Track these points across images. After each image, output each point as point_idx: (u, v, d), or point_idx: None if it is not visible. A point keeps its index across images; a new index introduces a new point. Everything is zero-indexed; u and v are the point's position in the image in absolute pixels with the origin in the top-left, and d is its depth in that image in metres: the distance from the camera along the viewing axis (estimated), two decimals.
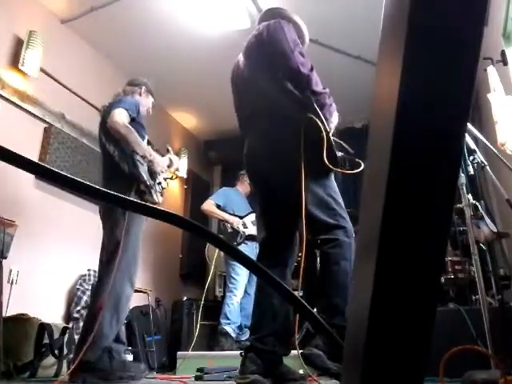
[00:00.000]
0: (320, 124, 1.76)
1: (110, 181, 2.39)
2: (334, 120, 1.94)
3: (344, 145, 1.91)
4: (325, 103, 1.86)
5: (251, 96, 2.01)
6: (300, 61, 1.82)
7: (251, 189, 4.19)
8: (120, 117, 2.35)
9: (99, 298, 2.18)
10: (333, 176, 1.91)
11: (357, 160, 1.87)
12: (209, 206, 4.19)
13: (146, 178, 2.35)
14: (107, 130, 2.40)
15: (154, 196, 2.40)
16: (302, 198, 1.74)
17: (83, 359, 1.97)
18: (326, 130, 1.77)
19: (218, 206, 4.17)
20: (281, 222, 1.91)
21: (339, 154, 1.82)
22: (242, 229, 4.05)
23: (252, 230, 4.04)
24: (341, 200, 1.87)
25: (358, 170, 1.83)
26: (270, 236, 1.95)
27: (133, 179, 2.35)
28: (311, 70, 1.84)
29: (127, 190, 2.31)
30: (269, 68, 1.92)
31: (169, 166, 2.60)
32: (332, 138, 1.82)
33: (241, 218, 4.12)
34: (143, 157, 2.36)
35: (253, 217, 4.12)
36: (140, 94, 2.68)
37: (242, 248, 3.91)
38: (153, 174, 2.41)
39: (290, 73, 1.84)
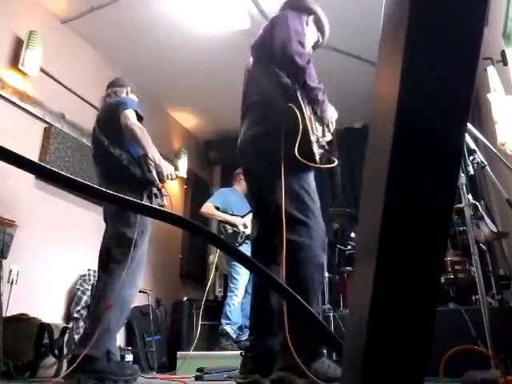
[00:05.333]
0: (299, 115, 1.71)
1: (118, 184, 2.36)
2: (328, 116, 1.89)
3: (324, 144, 1.84)
4: (316, 98, 1.81)
5: (251, 88, 1.99)
6: (296, 50, 1.77)
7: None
8: (134, 118, 2.38)
9: (107, 296, 2.17)
10: (312, 172, 1.85)
11: (333, 158, 1.83)
12: (208, 208, 4.17)
13: (158, 182, 2.39)
14: (111, 133, 2.41)
15: (164, 199, 2.45)
16: (279, 192, 1.67)
17: (87, 354, 1.97)
18: (303, 123, 1.71)
19: (217, 208, 4.15)
20: (269, 219, 1.84)
21: (318, 150, 1.76)
22: (242, 229, 4.05)
23: None
24: (316, 197, 1.80)
25: (331, 166, 1.80)
26: (261, 234, 1.92)
27: (146, 183, 2.37)
28: (308, 62, 1.78)
29: (138, 194, 2.33)
30: (265, 55, 1.90)
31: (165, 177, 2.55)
32: (314, 132, 1.76)
33: (241, 217, 4.12)
34: (153, 160, 2.38)
35: None
36: (127, 94, 2.68)
37: (244, 248, 3.90)
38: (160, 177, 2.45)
39: (283, 61, 1.80)
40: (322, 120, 1.86)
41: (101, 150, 2.48)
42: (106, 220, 2.47)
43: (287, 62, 1.78)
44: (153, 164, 2.38)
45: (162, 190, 2.47)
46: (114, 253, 2.30)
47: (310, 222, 1.71)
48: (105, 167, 2.50)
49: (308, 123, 1.74)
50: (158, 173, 2.40)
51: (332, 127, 1.95)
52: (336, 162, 1.83)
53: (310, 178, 1.83)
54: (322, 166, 1.78)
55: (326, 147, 1.85)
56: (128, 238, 2.28)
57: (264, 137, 1.81)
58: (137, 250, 2.29)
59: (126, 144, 2.42)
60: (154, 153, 2.39)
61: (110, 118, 2.47)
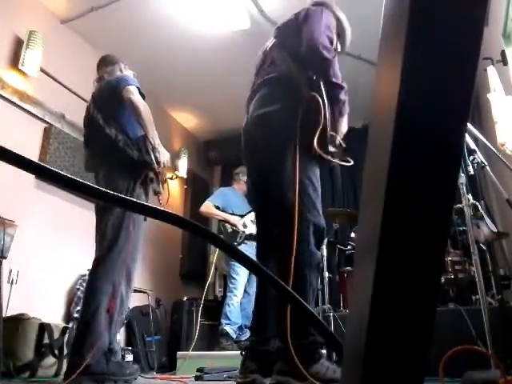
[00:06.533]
0: (322, 107, 1.66)
1: (114, 168, 2.27)
2: (344, 123, 1.86)
3: (341, 142, 1.81)
4: (338, 97, 1.77)
5: (266, 68, 1.93)
6: (324, 44, 1.73)
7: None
8: (137, 94, 2.31)
9: (98, 294, 2.07)
10: (317, 165, 1.80)
11: (347, 158, 1.80)
12: (207, 207, 4.17)
13: (155, 165, 2.30)
14: (109, 112, 2.33)
15: (160, 185, 2.36)
16: (287, 181, 1.63)
17: (84, 363, 1.91)
18: (325, 116, 1.66)
19: (217, 208, 4.15)
20: (270, 211, 1.79)
21: (332, 149, 1.72)
22: (241, 228, 4.05)
23: (252, 229, 4.03)
24: (319, 190, 1.75)
25: (347, 164, 1.76)
26: (260, 231, 1.90)
27: (144, 166, 2.28)
28: (333, 57, 1.75)
29: (133, 178, 2.25)
30: (291, 41, 1.86)
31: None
32: (329, 130, 1.72)
33: (241, 217, 4.12)
34: (151, 142, 2.29)
35: (252, 216, 4.11)
36: (121, 71, 2.58)
37: (243, 248, 3.90)
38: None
39: (308, 51, 1.74)
40: (339, 119, 1.83)
41: (95, 130, 2.36)
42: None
43: (312, 52, 1.73)
44: (151, 146, 2.29)
45: (159, 175, 2.36)
46: (101, 247, 2.18)
47: (310, 217, 1.66)
48: (98, 149, 2.37)
49: (328, 118, 1.70)
50: (154, 157, 2.31)
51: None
52: (351, 162, 1.78)
53: (317, 168, 1.78)
54: (340, 163, 1.73)
55: (342, 145, 1.81)
56: (116, 228, 2.18)
57: (275, 118, 1.75)
58: (127, 239, 2.17)
59: (123, 124, 2.33)
60: (154, 135, 2.31)
61: (109, 97, 2.37)
